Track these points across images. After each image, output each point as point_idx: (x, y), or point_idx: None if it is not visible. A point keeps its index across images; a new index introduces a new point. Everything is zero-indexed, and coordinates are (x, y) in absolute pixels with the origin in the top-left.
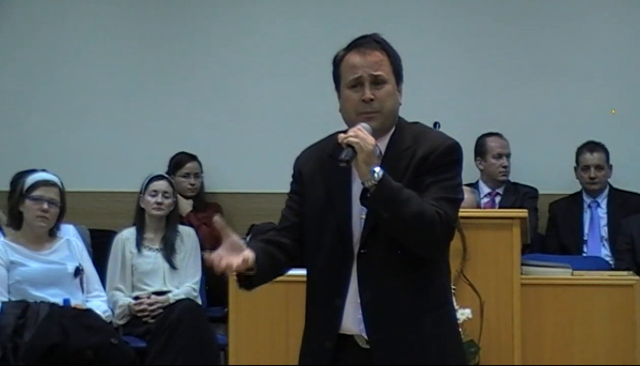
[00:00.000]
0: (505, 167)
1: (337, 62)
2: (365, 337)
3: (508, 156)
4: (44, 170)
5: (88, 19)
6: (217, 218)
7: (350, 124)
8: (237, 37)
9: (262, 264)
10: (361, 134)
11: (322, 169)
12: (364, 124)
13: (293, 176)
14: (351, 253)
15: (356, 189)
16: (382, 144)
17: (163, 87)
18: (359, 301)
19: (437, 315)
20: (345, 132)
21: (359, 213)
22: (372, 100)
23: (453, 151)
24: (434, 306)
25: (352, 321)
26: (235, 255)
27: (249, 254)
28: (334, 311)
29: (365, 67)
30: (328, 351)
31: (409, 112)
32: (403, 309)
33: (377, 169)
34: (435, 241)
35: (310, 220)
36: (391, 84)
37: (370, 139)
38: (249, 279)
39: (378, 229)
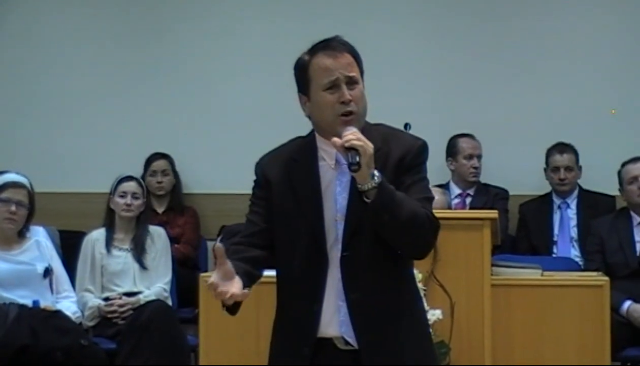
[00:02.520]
0: (476, 168)
1: (304, 66)
2: (347, 339)
3: (479, 157)
4: (13, 171)
5: (57, 19)
6: (218, 246)
7: (325, 127)
8: (210, 38)
9: (245, 288)
10: (362, 136)
11: (288, 173)
12: (354, 128)
13: (256, 181)
14: (326, 257)
15: (326, 191)
16: None
17: (135, 88)
18: (340, 303)
19: (413, 313)
20: (338, 137)
21: (332, 216)
22: (350, 101)
23: (424, 150)
24: (411, 304)
25: (330, 324)
26: (229, 282)
27: (240, 283)
28: (312, 316)
29: (340, 69)
30: (306, 358)
31: (380, 112)
32: (388, 309)
33: (376, 172)
34: (428, 241)
35: (280, 226)
36: (361, 85)
37: (370, 143)
38: (236, 305)
39: (359, 230)
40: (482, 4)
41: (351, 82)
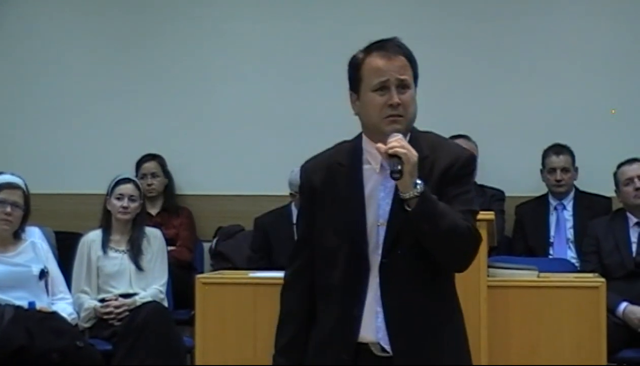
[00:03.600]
0: None
1: (357, 64)
2: (383, 345)
3: None
4: (8, 172)
5: (51, 22)
6: None
7: (372, 128)
8: (204, 39)
9: None
10: (406, 144)
11: (333, 178)
12: (399, 135)
13: (301, 187)
14: (367, 261)
15: (370, 195)
16: None
17: (130, 89)
18: (378, 309)
19: (454, 324)
20: (384, 139)
21: (374, 221)
22: (399, 104)
23: (472, 162)
24: (452, 315)
25: (368, 329)
26: None
27: None
28: (352, 321)
29: (392, 71)
30: (345, 363)
31: None
32: (426, 318)
33: (419, 181)
34: (467, 254)
35: (323, 233)
36: (413, 90)
37: (414, 150)
38: None
39: (400, 238)
40: (478, 5)
41: (402, 86)
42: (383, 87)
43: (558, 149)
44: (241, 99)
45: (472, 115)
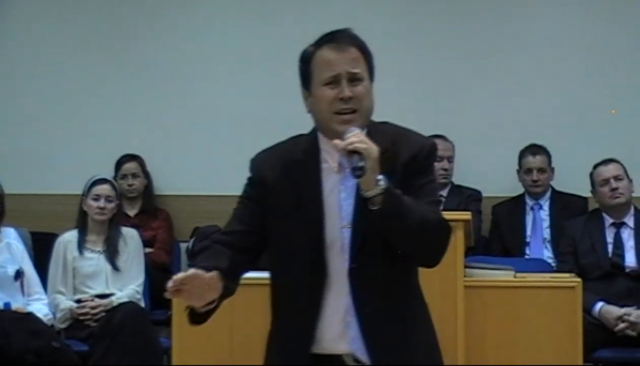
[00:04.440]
0: (445, 170)
1: (307, 58)
2: (358, 356)
3: (450, 158)
4: None
5: (30, 20)
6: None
7: (324, 124)
8: (182, 39)
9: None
10: (365, 139)
11: (288, 174)
12: (357, 129)
13: (250, 179)
14: (326, 267)
15: (329, 196)
16: None
17: (108, 89)
18: (349, 319)
19: (426, 324)
20: (339, 136)
21: (337, 223)
22: (350, 98)
23: (435, 151)
24: (423, 315)
25: (339, 341)
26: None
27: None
28: (308, 332)
29: (343, 64)
30: None
31: None
32: (402, 323)
33: (381, 177)
34: (440, 247)
35: (277, 230)
36: (367, 82)
37: (374, 145)
38: (207, 312)
39: (368, 240)
40: (455, 6)
41: (354, 79)
42: (334, 81)
43: (534, 149)
44: (218, 100)
45: (448, 115)
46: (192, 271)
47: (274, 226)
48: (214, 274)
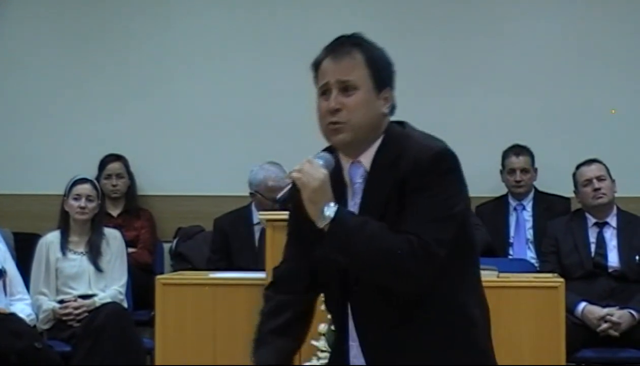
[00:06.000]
0: None
1: (315, 67)
2: None
3: None
4: None
5: (11, 22)
6: None
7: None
8: (165, 40)
9: None
10: (307, 167)
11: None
12: (323, 154)
13: (291, 206)
14: (343, 290)
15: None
16: (367, 161)
17: (90, 89)
18: (351, 343)
19: (457, 349)
20: (345, 155)
21: None
22: (337, 110)
23: (439, 160)
24: (452, 340)
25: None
26: None
27: None
28: (341, 355)
29: (334, 73)
30: None
31: None
32: (407, 345)
33: (330, 205)
34: (407, 276)
35: (310, 255)
36: (364, 91)
37: (318, 174)
38: None
39: None
40: (438, 6)
41: (346, 88)
42: (325, 91)
43: (518, 149)
44: (201, 100)
45: (431, 115)
46: None
47: (309, 253)
48: None
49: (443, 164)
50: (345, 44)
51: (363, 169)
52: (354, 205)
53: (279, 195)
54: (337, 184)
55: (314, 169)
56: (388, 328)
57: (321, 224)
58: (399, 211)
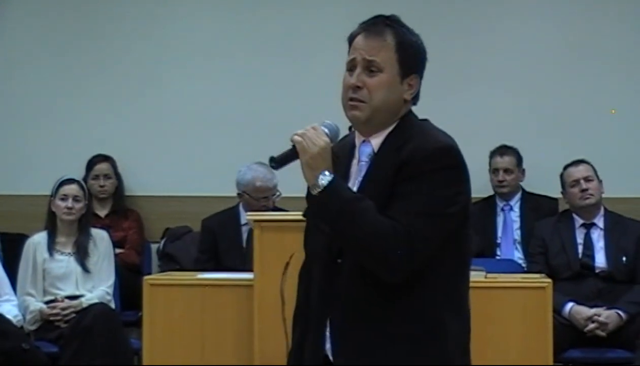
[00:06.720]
0: None
1: (350, 41)
2: (331, 357)
3: None
4: None
5: (7, 20)
6: None
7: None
8: (154, 40)
9: None
10: (310, 133)
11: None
12: (330, 123)
13: None
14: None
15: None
16: (377, 142)
17: (79, 90)
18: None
19: (427, 343)
20: (361, 133)
21: None
22: (358, 88)
23: (441, 156)
24: (422, 333)
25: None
26: None
27: None
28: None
29: (363, 50)
30: None
31: (320, 114)
32: (376, 332)
33: (326, 174)
34: (386, 262)
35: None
36: (389, 74)
37: (319, 141)
38: None
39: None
40: (427, 6)
41: (370, 68)
42: (352, 67)
43: (503, 150)
44: (189, 101)
45: (421, 114)
46: None
47: None
48: None
49: (444, 159)
50: (380, 24)
51: (371, 149)
52: (356, 182)
53: (276, 155)
54: (348, 159)
55: (316, 136)
56: (360, 316)
57: (314, 191)
58: (390, 195)
